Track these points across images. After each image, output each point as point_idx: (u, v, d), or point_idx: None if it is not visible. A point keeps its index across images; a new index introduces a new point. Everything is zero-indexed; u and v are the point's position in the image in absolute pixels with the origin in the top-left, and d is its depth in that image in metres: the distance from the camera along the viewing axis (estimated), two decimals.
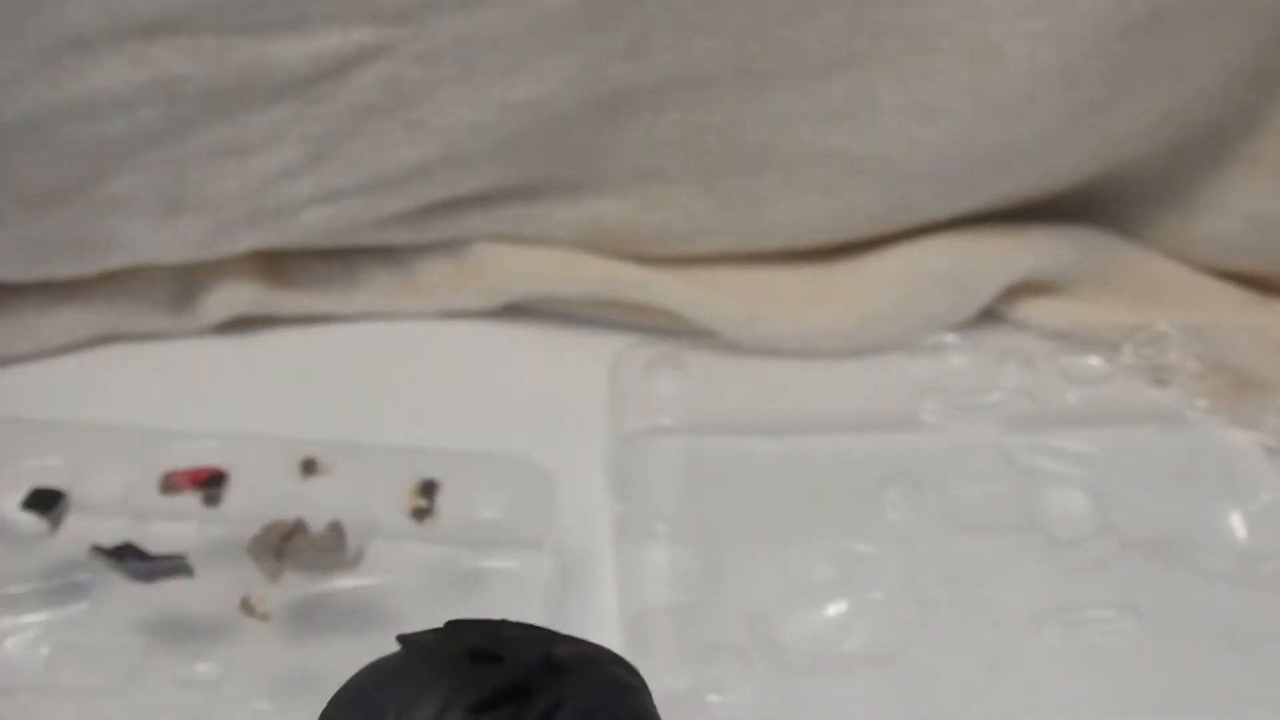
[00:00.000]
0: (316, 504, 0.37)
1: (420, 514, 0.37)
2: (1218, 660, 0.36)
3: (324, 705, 0.33)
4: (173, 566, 0.36)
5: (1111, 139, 0.45)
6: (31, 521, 0.37)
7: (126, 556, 0.36)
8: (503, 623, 0.23)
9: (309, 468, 0.38)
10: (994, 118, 0.43)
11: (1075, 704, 0.35)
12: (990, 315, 0.47)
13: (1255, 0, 0.42)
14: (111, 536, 0.36)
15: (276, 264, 0.48)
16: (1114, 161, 0.47)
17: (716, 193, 0.47)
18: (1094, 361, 0.44)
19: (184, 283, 0.48)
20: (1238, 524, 0.40)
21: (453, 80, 0.43)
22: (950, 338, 0.45)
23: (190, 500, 0.38)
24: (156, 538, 0.37)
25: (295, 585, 0.36)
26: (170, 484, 0.38)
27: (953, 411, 0.43)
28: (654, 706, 0.23)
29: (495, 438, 0.39)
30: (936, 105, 0.44)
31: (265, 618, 0.35)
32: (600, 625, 0.38)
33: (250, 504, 0.37)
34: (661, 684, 0.34)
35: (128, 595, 0.36)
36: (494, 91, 0.43)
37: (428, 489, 0.38)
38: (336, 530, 0.36)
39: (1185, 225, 0.48)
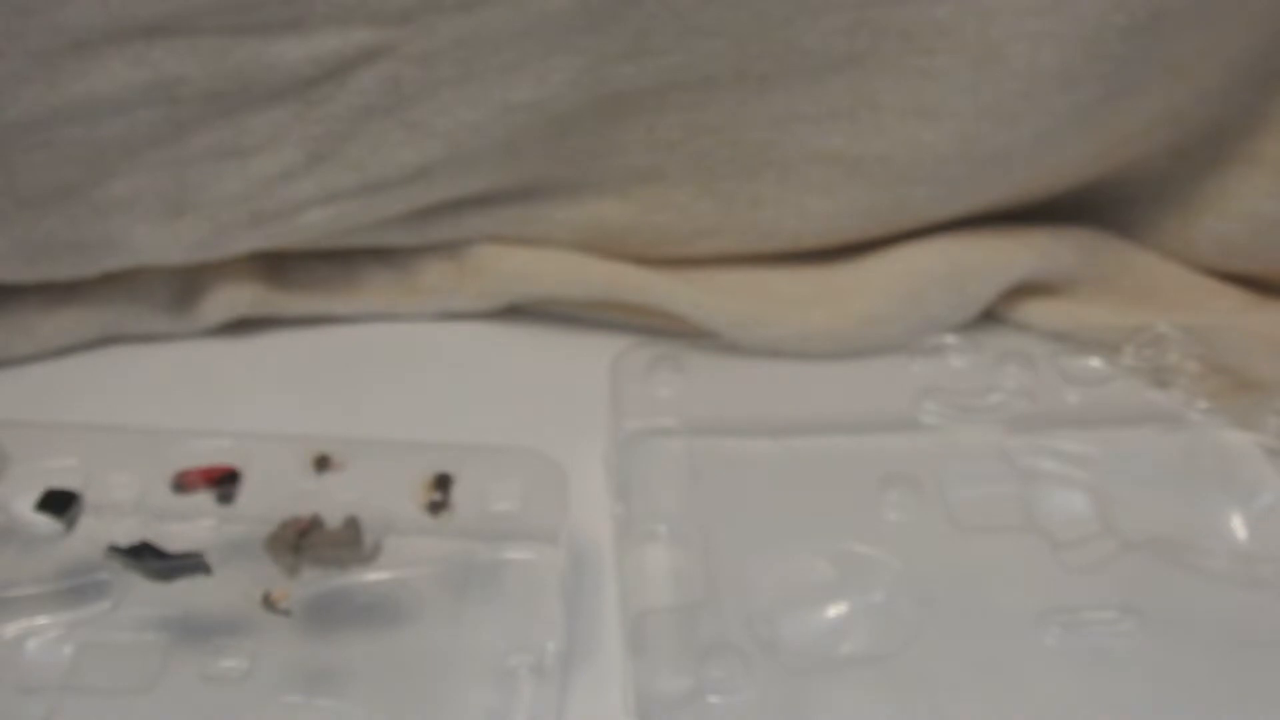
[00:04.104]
0: (331, 500, 0.37)
1: (435, 508, 0.38)
2: (1218, 661, 0.36)
3: (350, 696, 0.33)
4: (190, 565, 0.36)
5: (1111, 140, 0.45)
6: (46, 523, 0.37)
7: (143, 556, 0.36)
8: None
9: (322, 464, 0.38)
10: (994, 119, 0.43)
11: (1075, 705, 0.35)
12: (990, 316, 0.47)
13: (1255, 1, 0.42)
14: (126, 536, 0.37)
15: (277, 265, 0.48)
16: (1114, 162, 0.47)
17: (716, 194, 0.47)
18: (1094, 363, 0.44)
19: (184, 284, 0.48)
20: (1238, 525, 0.40)
21: (453, 81, 0.43)
22: (950, 338, 0.45)
23: (204, 499, 0.38)
24: (172, 536, 0.37)
25: (313, 580, 0.36)
26: (183, 483, 0.38)
27: (953, 412, 0.43)
28: None
29: (496, 438, 0.39)
30: (936, 106, 0.44)
31: (287, 613, 0.36)
32: (601, 625, 0.38)
33: (264, 501, 0.37)
34: (662, 684, 0.34)
35: (147, 594, 0.36)
36: (494, 92, 0.43)
37: (442, 483, 0.38)
38: (353, 525, 0.37)
39: (1185, 226, 0.48)
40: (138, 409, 0.44)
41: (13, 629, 0.36)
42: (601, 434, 0.43)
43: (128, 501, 0.38)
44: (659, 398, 0.43)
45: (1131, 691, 0.35)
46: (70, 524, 0.37)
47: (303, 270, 0.48)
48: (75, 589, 0.36)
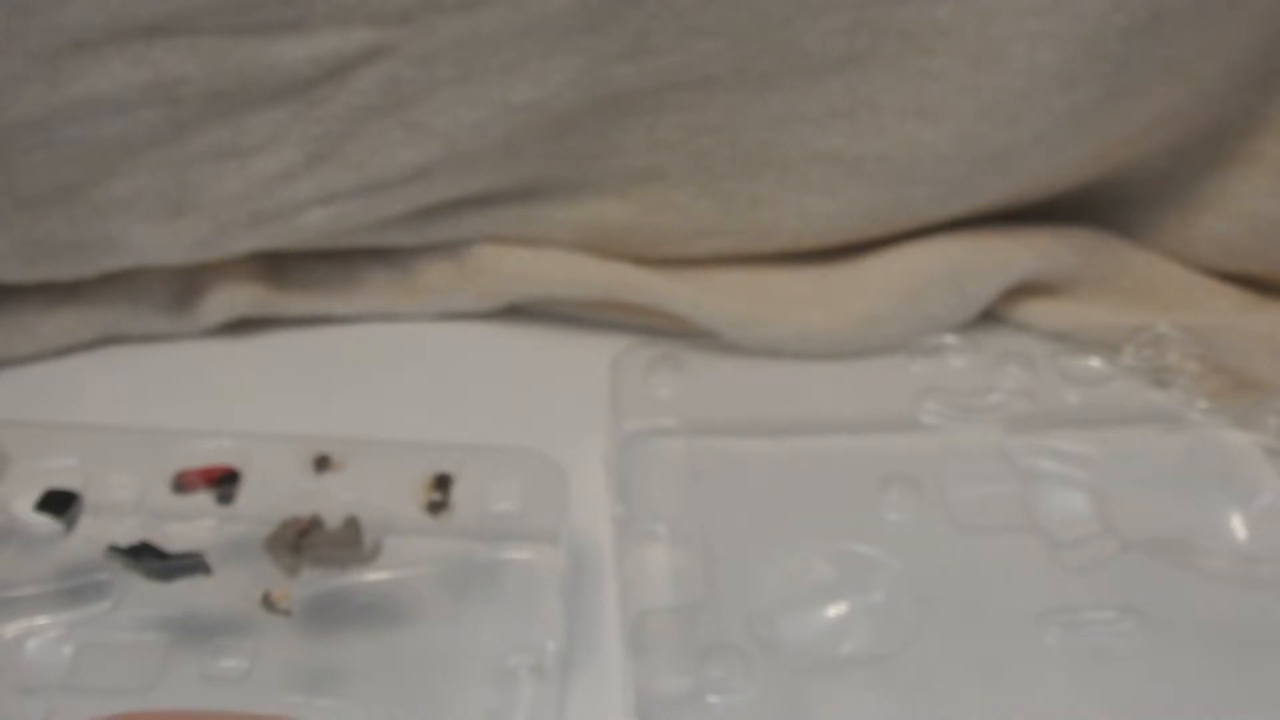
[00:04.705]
0: (331, 500, 0.37)
1: (435, 508, 0.38)
2: (1218, 661, 0.36)
3: (350, 696, 0.33)
4: (190, 565, 0.36)
5: (1111, 140, 0.45)
6: (46, 523, 0.37)
7: (143, 556, 0.36)
8: None
9: (322, 464, 0.38)
10: (994, 119, 0.43)
11: (1075, 705, 0.35)
12: (990, 316, 0.47)
13: (1255, 0, 0.42)
14: (126, 536, 0.37)
15: (276, 265, 0.48)
16: (1114, 162, 0.47)
17: (716, 194, 0.47)
18: (1094, 363, 0.44)
19: (184, 284, 0.48)
20: (1238, 525, 0.40)
21: (453, 81, 0.43)
22: (950, 339, 0.45)
23: (204, 499, 0.38)
24: (172, 536, 0.37)
25: (313, 581, 0.36)
26: (183, 483, 0.38)
27: (953, 412, 0.43)
28: None
29: (496, 438, 0.39)
30: (936, 106, 0.44)
31: (287, 613, 0.36)
32: (601, 625, 0.38)
33: (264, 501, 0.38)
34: (662, 684, 0.34)
35: (147, 594, 0.36)
36: (494, 93, 0.43)
37: (442, 483, 0.38)
38: (352, 525, 0.37)
39: (1185, 226, 0.48)
40: (138, 409, 0.44)
41: (13, 629, 0.36)
42: (601, 434, 0.43)
43: (128, 501, 0.38)
44: (659, 398, 0.43)
45: (1131, 691, 0.35)
46: (70, 524, 0.37)
47: (303, 270, 0.48)
48: (75, 589, 0.36)
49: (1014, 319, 0.47)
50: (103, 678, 0.35)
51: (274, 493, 0.38)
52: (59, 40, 0.40)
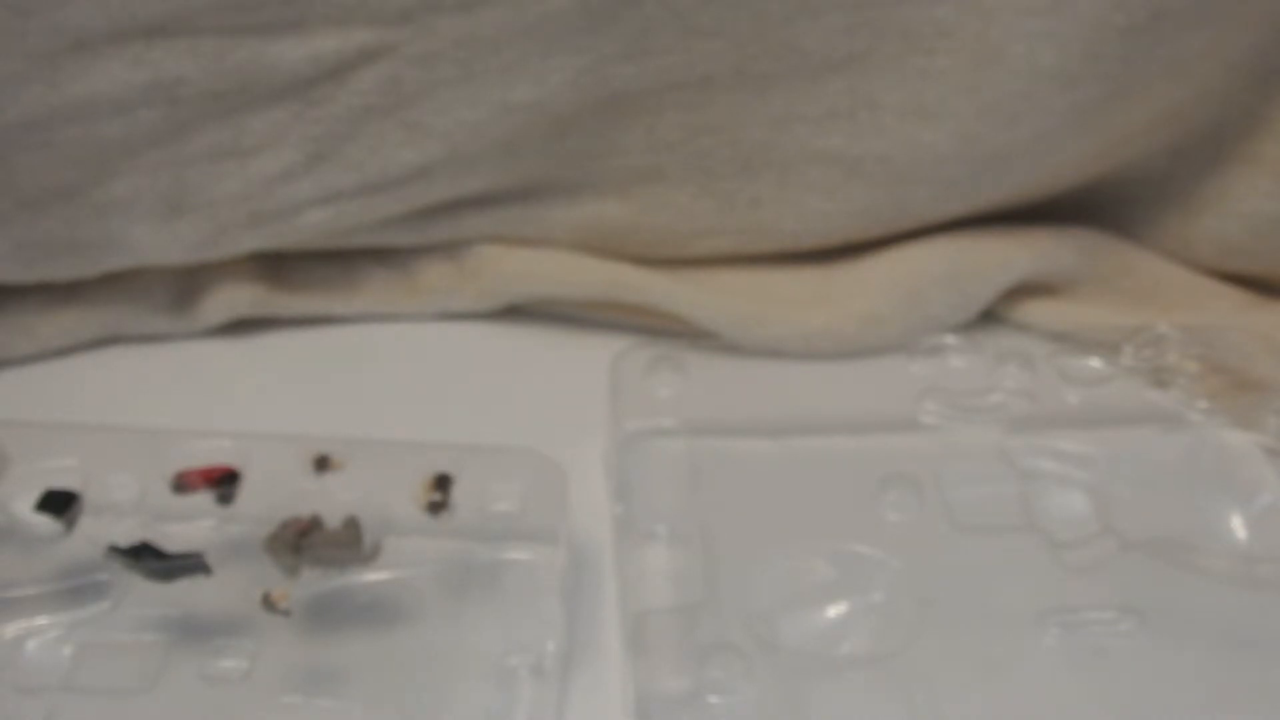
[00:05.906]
0: (331, 500, 0.37)
1: (435, 508, 0.38)
2: (1218, 661, 0.36)
3: (350, 696, 0.33)
4: (190, 565, 0.36)
5: (1111, 140, 0.45)
6: (46, 523, 0.37)
7: (143, 556, 0.36)
8: None
9: (322, 464, 0.38)
10: (993, 119, 0.43)
11: (1075, 705, 0.35)
12: (990, 316, 0.47)
13: (1255, 1, 0.42)
14: (126, 536, 0.37)
15: (276, 266, 0.48)
16: (1114, 162, 0.47)
17: (716, 194, 0.47)
18: (1094, 363, 0.44)
19: (184, 284, 0.48)
20: (1238, 525, 0.40)
21: (452, 81, 0.43)
22: (950, 339, 0.45)
23: (204, 499, 0.38)
24: (172, 537, 0.37)
25: (313, 581, 0.36)
26: (182, 483, 0.38)
27: (953, 413, 0.43)
28: None
29: (496, 438, 0.39)
30: (936, 106, 0.44)
31: (287, 613, 0.36)
32: (601, 625, 0.38)
33: (264, 502, 0.38)
34: (662, 684, 0.34)
35: (147, 594, 0.36)
36: (494, 93, 0.43)
37: (442, 483, 0.38)
38: (352, 526, 0.37)
39: (1185, 226, 0.48)
40: (138, 409, 0.44)
41: (13, 629, 0.36)
42: (601, 434, 0.43)
43: (128, 501, 0.38)
44: (659, 398, 0.43)
45: (1131, 691, 0.35)
46: (70, 524, 0.37)
47: (303, 270, 0.48)
48: (75, 589, 0.36)
49: (1014, 319, 0.48)
50: (103, 678, 0.35)
51: (274, 493, 0.38)
52: (59, 40, 0.40)
